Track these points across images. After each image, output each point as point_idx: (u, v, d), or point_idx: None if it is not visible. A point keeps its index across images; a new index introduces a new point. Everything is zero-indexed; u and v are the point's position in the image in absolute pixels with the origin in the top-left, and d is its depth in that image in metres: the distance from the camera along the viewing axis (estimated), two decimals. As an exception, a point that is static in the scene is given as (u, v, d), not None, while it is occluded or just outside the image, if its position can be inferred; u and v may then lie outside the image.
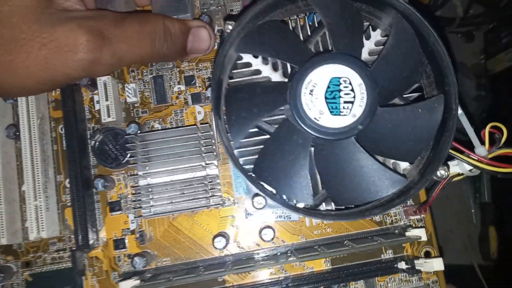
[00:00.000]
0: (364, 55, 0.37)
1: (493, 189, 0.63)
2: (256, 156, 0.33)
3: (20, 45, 0.32)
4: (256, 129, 0.35)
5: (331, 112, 0.31)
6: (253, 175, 0.33)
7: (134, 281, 0.40)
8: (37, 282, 0.44)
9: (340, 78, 0.32)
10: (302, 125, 0.31)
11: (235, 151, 0.34)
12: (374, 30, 0.38)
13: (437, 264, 0.41)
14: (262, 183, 0.32)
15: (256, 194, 0.31)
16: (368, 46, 0.37)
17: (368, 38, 0.38)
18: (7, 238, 0.43)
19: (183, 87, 0.49)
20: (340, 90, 0.32)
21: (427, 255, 0.46)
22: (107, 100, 0.46)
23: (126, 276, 0.44)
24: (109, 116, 0.46)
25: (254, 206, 0.32)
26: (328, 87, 0.32)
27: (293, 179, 0.32)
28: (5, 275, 0.43)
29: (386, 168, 0.31)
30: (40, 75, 0.34)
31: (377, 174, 0.31)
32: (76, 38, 0.33)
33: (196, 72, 0.49)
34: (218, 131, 0.32)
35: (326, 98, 0.31)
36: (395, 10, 0.34)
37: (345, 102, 0.31)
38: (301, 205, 0.34)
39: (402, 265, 0.44)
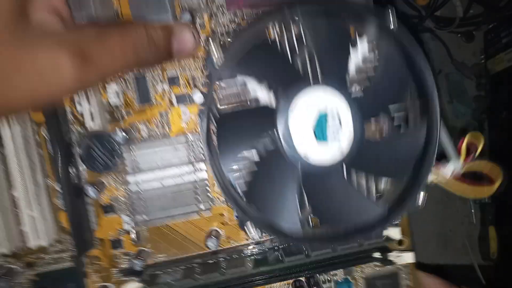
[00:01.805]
0: (352, 73, 0.35)
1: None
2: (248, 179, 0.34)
3: None
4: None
5: (318, 142, 0.32)
6: (244, 198, 0.34)
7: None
8: (42, 282, 0.47)
9: (327, 109, 0.31)
10: (289, 156, 0.32)
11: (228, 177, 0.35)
12: (360, 35, 0.35)
13: (409, 258, 0.46)
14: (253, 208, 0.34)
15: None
16: (355, 62, 0.35)
17: (354, 44, 0.35)
18: (6, 246, 0.45)
19: (167, 87, 0.47)
20: (327, 121, 0.32)
21: (400, 243, 0.50)
22: (89, 103, 0.45)
23: (127, 272, 0.47)
24: (92, 121, 0.45)
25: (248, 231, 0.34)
26: (316, 117, 0.31)
27: (281, 203, 0.33)
28: (12, 278, 0.46)
29: (366, 198, 0.34)
30: (21, 101, 0.32)
31: (359, 203, 0.34)
32: (58, 60, 0.30)
33: (181, 70, 0.47)
34: (210, 166, 0.32)
35: (313, 128, 0.32)
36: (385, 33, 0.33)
37: (332, 132, 0.32)
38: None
39: (377, 254, 0.48)
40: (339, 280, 0.46)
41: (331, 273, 0.47)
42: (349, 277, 0.47)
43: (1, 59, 0.29)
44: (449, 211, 0.64)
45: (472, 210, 0.63)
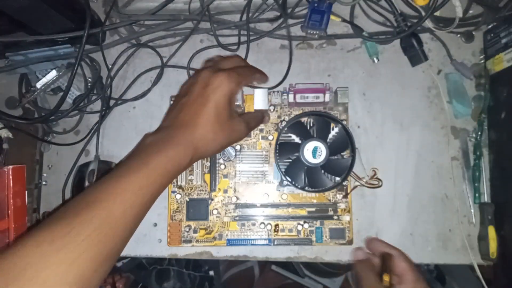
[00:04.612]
0: (329, 136, 0.68)
1: (493, 189, 0.62)
2: (287, 166, 0.68)
3: (220, 130, 0.55)
4: (289, 160, 0.69)
5: (313, 157, 0.65)
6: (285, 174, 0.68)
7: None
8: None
9: (317, 147, 0.65)
10: (304, 161, 0.66)
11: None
12: (333, 129, 0.68)
13: (348, 217, 0.68)
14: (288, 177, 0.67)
15: (282, 181, 0.68)
16: (330, 136, 0.68)
17: (331, 130, 0.68)
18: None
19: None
20: (317, 150, 0.65)
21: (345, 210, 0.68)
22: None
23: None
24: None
25: (282, 183, 0.68)
26: (313, 148, 0.65)
27: (298, 177, 0.68)
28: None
29: (328, 178, 0.67)
30: (222, 144, 0.59)
31: (326, 179, 0.66)
32: (242, 126, 0.61)
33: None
34: (275, 162, 0.68)
35: (312, 152, 0.66)
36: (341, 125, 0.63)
37: (318, 154, 0.65)
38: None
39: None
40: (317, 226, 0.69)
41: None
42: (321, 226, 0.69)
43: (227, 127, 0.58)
44: (448, 211, 0.65)
45: (472, 210, 0.64)
